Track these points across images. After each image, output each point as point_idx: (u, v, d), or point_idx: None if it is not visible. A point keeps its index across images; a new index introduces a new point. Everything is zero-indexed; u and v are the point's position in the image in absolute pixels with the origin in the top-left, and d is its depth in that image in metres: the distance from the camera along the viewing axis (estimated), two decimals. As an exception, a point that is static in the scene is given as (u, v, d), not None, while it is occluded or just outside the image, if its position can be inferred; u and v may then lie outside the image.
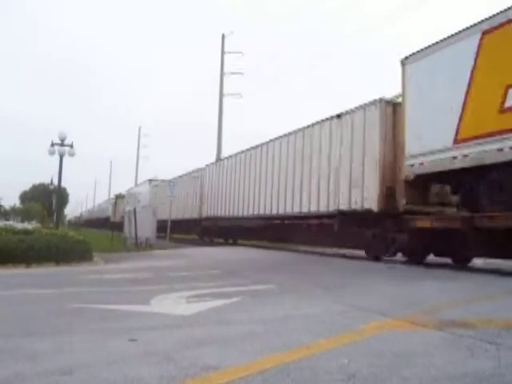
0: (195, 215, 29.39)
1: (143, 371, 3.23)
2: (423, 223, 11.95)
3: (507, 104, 9.79)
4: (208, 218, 27.57)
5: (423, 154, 11.87)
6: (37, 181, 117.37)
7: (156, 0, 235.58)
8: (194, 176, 30.70)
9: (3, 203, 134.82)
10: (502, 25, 10.17)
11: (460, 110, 10.86)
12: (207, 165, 28.86)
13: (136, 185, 53.34)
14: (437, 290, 7.59)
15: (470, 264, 12.42)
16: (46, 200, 78.70)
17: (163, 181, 35.81)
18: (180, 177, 32.99)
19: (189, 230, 32.49)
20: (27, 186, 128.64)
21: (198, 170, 30.24)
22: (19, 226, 28.42)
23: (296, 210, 17.87)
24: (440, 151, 11.32)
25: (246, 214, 22.48)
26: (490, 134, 10.14)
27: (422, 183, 12.61)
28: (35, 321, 5.10)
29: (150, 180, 39.42)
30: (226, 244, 26.19)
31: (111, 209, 46.87)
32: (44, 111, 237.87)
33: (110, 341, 4.14)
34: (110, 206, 51.99)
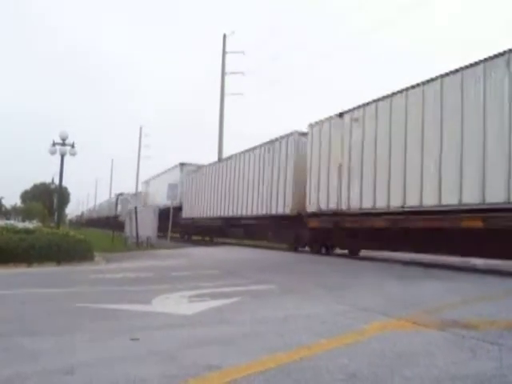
0: (284, 210, 18.36)
1: (145, 370, 3.23)
2: None
3: None
4: (320, 215, 16.20)
5: None
6: (38, 179, 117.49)
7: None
8: (275, 147, 19.42)
9: (4, 202, 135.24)
10: None
11: None
12: (312, 124, 16.98)
13: (141, 180, 51.85)
14: (438, 290, 7.58)
15: (472, 264, 12.42)
16: (47, 199, 78.73)
17: (200, 166, 29.97)
18: (231, 157, 24.71)
19: (265, 234, 21.44)
20: (28, 185, 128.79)
21: (287, 136, 18.79)
22: (20, 225, 28.43)
23: None
24: None
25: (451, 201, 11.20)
26: None
27: None
28: (37, 320, 5.10)
29: (182, 164, 32.51)
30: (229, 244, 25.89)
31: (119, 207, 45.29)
32: (45, 110, 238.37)
33: (111, 340, 4.15)
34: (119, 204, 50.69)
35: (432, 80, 11.95)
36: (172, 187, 25.78)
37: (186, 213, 30.22)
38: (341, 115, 15.31)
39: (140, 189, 49.09)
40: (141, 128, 68.35)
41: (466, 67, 11.08)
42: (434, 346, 3.93)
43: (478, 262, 12.65)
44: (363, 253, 16.12)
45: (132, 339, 4.09)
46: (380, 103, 13.68)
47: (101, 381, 3.03)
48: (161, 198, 33.18)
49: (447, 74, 11.55)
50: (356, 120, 14.60)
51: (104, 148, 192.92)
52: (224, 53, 37.33)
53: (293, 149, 18.23)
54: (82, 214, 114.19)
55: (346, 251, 16.63)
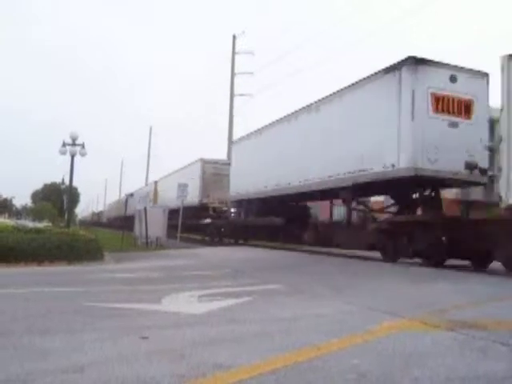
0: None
1: (155, 369, 3.23)
2: None
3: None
4: None
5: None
6: (49, 180, 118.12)
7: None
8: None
9: (15, 202, 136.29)
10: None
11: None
12: None
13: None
14: (448, 291, 7.54)
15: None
16: (57, 199, 79.12)
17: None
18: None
19: None
20: (39, 186, 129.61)
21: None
22: (30, 224, 28.57)
23: None
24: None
25: None
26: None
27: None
28: (47, 319, 5.13)
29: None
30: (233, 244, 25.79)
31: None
32: (56, 111, 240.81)
33: (121, 339, 4.16)
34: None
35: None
36: (182, 187, 25.34)
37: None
38: None
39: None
40: (150, 128, 68.92)
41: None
42: (444, 347, 3.91)
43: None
44: (373, 254, 15.91)
45: (142, 338, 4.10)
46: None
47: (110, 379, 3.04)
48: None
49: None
50: None
51: (115, 149, 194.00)
52: (233, 53, 37.44)
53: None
54: (94, 213, 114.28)
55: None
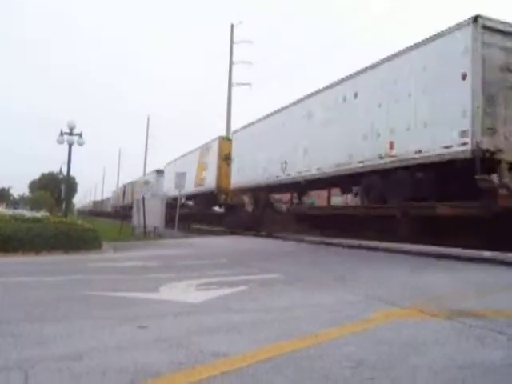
0: None
1: (153, 357, 3.24)
2: None
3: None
4: None
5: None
6: (45, 171, 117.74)
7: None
8: None
9: (12, 192, 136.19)
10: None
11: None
12: None
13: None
14: (447, 281, 7.55)
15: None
16: (54, 189, 78.88)
17: None
18: None
19: None
20: (36, 175, 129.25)
21: None
22: (28, 214, 28.53)
23: None
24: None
25: None
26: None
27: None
28: (45, 307, 5.13)
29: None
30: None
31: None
32: (54, 103, 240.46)
33: (119, 327, 4.16)
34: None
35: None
36: (180, 176, 24.73)
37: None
38: None
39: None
40: (148, 117, 68.69)
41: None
42: (442, 335, 3.93)
43: (487, 253, 12.57)
44: (372, 244, 15.90)
45: (140, 326, 4.10)
46: None
47: (109, 367, 3.04)
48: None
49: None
50: None
51: (110, 142, 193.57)
52: (232, 43, 37.26)
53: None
54: (93, 203, 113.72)
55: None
